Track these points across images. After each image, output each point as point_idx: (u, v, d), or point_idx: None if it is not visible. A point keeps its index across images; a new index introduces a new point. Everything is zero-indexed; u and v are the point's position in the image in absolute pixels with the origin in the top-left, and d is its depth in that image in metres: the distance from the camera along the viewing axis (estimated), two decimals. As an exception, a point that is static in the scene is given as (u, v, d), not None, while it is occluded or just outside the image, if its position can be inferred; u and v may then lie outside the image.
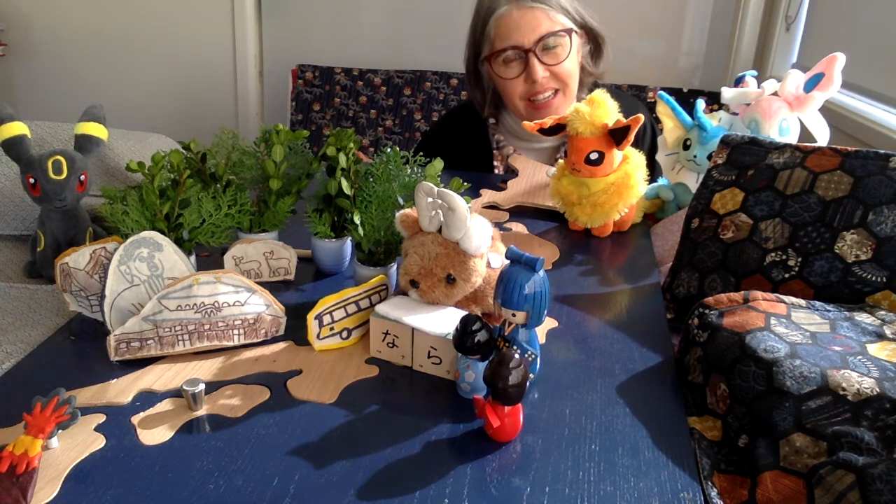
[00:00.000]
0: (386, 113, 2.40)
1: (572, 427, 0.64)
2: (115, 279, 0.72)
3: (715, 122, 1.15)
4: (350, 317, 0.75)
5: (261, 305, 0.74)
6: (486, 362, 0.61)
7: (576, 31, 1.31)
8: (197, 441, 0.60)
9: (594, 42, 1.38)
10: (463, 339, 0.63)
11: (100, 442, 0.59)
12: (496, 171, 1.42)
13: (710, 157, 0.99)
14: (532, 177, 1.31)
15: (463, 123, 1.46)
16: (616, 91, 1.22)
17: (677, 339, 0.79)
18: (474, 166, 1.42)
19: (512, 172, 1.37)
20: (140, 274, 0.73)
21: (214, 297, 0.71)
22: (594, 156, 1.02)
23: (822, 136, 1.10)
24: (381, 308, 0.72)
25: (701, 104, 1.17)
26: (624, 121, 1.00)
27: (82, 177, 0.89)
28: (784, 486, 0.57)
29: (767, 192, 0.85)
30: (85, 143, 0.92)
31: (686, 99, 2.09)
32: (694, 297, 0.86)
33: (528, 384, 0.61)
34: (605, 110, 1.02)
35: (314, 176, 0.93)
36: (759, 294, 0.75)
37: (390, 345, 0.72)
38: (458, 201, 0.68)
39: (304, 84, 2.43)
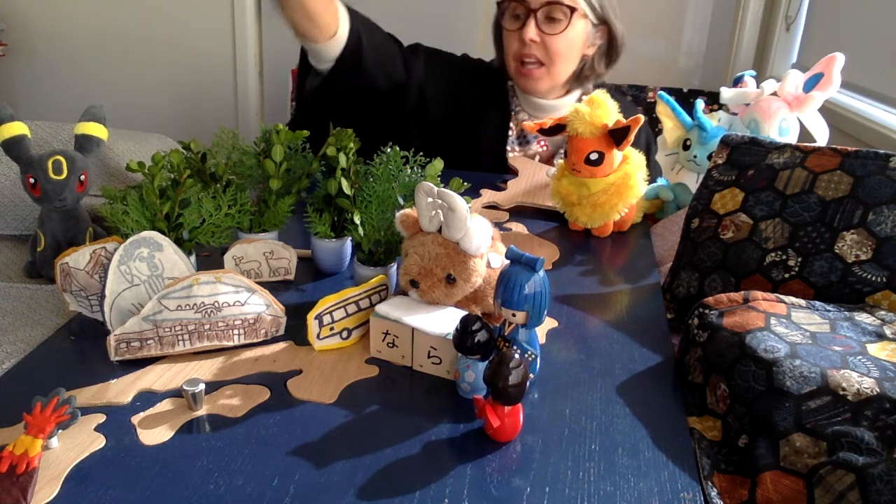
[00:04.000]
0: (386, 113, 2.39)
1: (572, 427, 0.64)
2: (115, 279, 0.72)
3: (714, 122, 1.15)
4: (350, 317, 0.75)
5: (261, 305, 0.74)
6: (486, 362, 0.61)
7: (587, 17, 1.32)
8: (197, 441, 0.60)
9: (609, 41, 1.39)
10: (463, 339, 0.63)
11: (100, 442, 0.59)
12: (510, 133, 1.42)
13: (710, 158, 0.99)
14: (532, 177, 1.31)
15: (488, 76, 1.47)
16: (614, 93, 1.22)
17: (677, 339, 0.79)
18: (493, 123, 1.43)
19: (512, 168, 1.37)
20: (140, 274, 0.73)
21: (214, 297, 0.71)
22: (594, 156, 1.02)
23: (821, 136, 1.10)
24: (381, 308, 0.72)
25: (700, 104, 1.17)
26: (624, 121, 1.00)
27: (82, 177, 0.89)
28: (784, 486, 0.57)
29: (767, 192, 0.85)
30: (85, 143, 0.92)
31: (686, 99, 2.09)
32: (694, 297, 0.86)
33: (528, 384, 0.61)
34: (605, 110, 1.02)
35: (314, 176, 0.93)
36: (759, 294, 0.75)
37: (390, 345, 0.72)
38: (458, 201, 0.68)
39: (304, 84, 2.43)
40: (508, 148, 1.42)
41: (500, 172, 1.36)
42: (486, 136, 1.42)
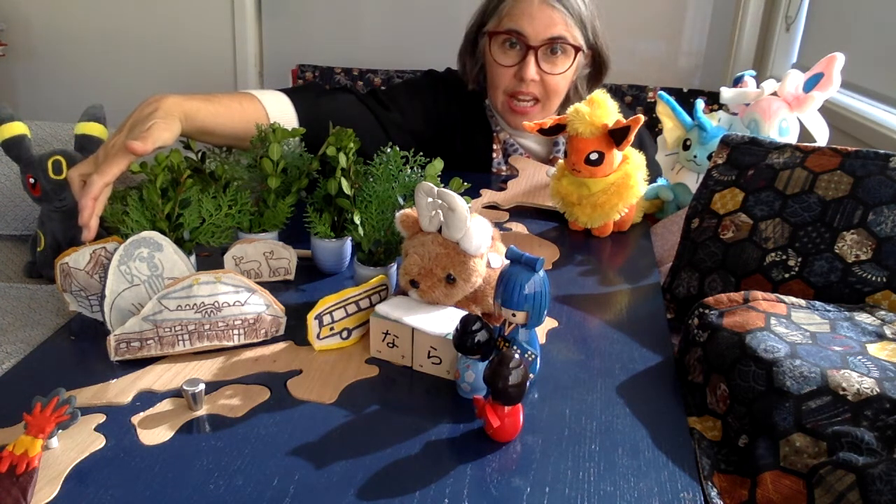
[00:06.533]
0: (386, 113, 2.39)
1: (572, 427, 0.64)
2: (115, 279, 0.72)
3: (714, 122, 1.15)
4: (350, 317, 0.75)
5: (261, 305, 0.74)
6: (486, 362, 0.61)
7: (583, 52, 1.29)
8: (197, 441, 0.60)
9: (596, 67, 1.36)
10: (463, 339, 0.63)
11: (100, 442, 0.59)
12: (494, 154, 1.40)
13: (710, 158, 0.99)
14: (532, 177, 1.31)
15: (464, 95, 1.41)
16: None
17: (677, 339, 0.79)
18: (477, 147, 1.40)
19: (512, 168, 1.37)
20: (140, 274, 0.73)
21: (214, 297, 0.71)
22: (594, 156, 1.02)
23: (821, 136, 1.10)
24: (381, 308, 0.72)
25: (700, 104, 1.17)
26: (624, 121, 1.00)
27: (82, 177, 0.89)
28: (784, 486, 0.57)
29: (767, 192, 0.85)
30: (85, 143, 0.92)
31: (686, 99, 2.09)
32: (694, 297, 0.86)
33: (528, 384, 0.61)
34: (605, 110, 1.02)
35: (312, 175, 0.93)
36: (759, 294, 0.75)
37: (390, 345, 0.72)
38: (458, 201, 0.68)
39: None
40: (494, 170, 1.40)
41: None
42: (472, 160, 1.39)
